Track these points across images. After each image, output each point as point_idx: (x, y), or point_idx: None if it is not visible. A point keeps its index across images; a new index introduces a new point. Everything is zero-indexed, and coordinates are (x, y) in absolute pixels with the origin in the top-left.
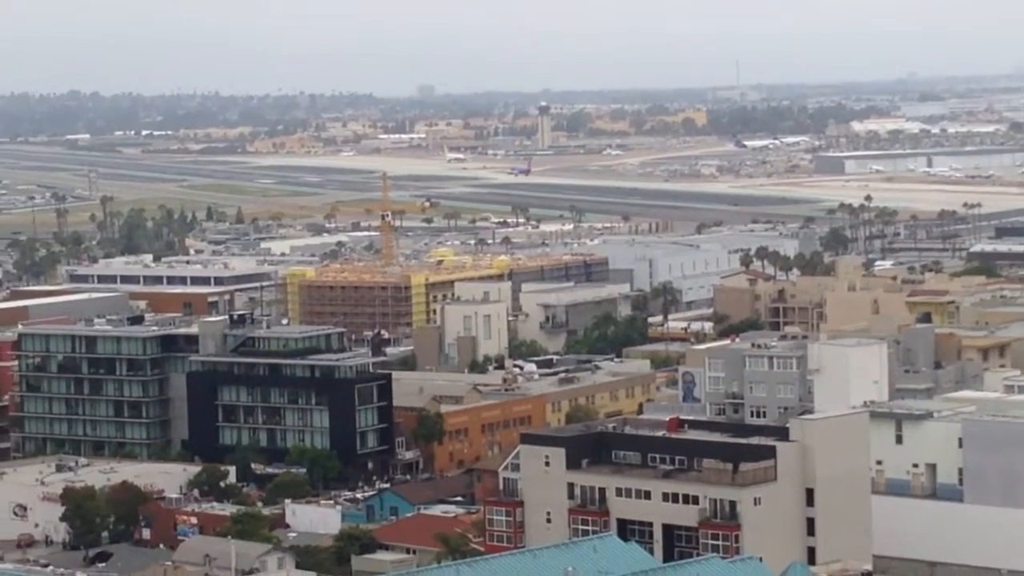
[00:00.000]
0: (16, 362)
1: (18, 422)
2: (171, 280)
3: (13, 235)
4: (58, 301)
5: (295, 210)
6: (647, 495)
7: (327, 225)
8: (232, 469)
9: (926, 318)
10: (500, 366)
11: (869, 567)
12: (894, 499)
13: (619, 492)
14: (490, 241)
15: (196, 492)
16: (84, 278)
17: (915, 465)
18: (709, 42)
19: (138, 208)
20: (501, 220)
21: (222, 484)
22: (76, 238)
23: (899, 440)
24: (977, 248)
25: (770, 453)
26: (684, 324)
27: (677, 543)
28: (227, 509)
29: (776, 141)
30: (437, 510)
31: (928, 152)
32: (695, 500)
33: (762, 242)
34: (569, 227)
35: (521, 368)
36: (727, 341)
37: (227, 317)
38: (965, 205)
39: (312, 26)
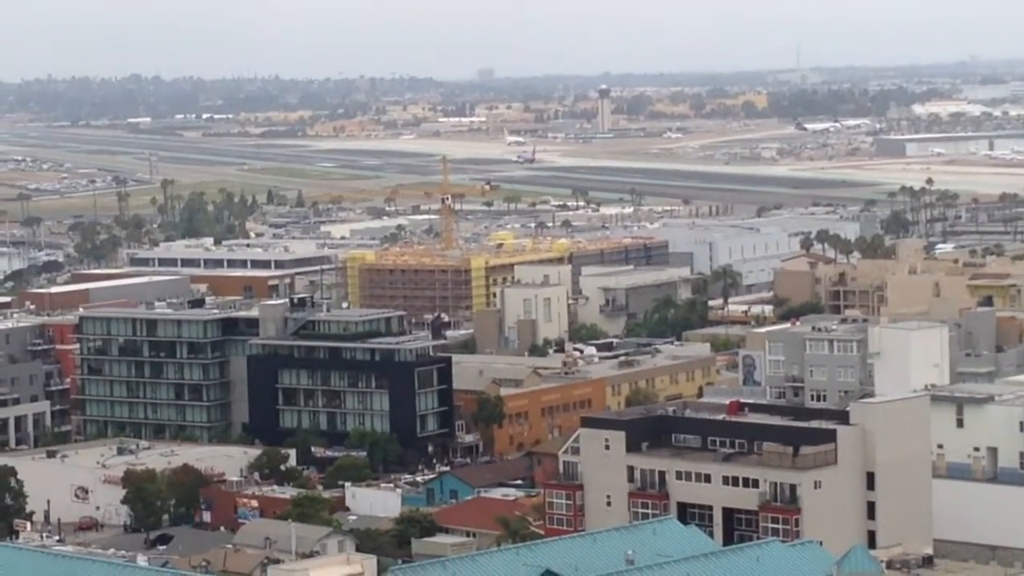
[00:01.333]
0: (78, 345)
1: (79, 405)
2: (232, 263)
3: (75, 218)
4: (119, 284)
5: (355, 193)
6: (707, 478)
7: (387, 208)
8: (292, 452)
9: (987, 301)
10: (560, 349)
11: (930, 551)
12: (955, 483)
13: (679, 475)
14: (550, 224)
15: (256, 475)
16: (145, 261)
17: (976, 449)
18: (770, 25)
19: (199, 192)
20: (561, 203)
21: (282, 467)
22: (137, 221)
23: (960, 424)
24: None
25: (830, 437)
26: (744, 307)
27: (737, 527)
28: (287, 492)
29: (837, 124)
30: (497, 493)
31: (990, 135)
32: (755, 483)
33: (822, 225)
34: (629, 210)
35: (581, 351)
36: (787, 324)
37: (287, 300)
38: None
39: (372, 9)
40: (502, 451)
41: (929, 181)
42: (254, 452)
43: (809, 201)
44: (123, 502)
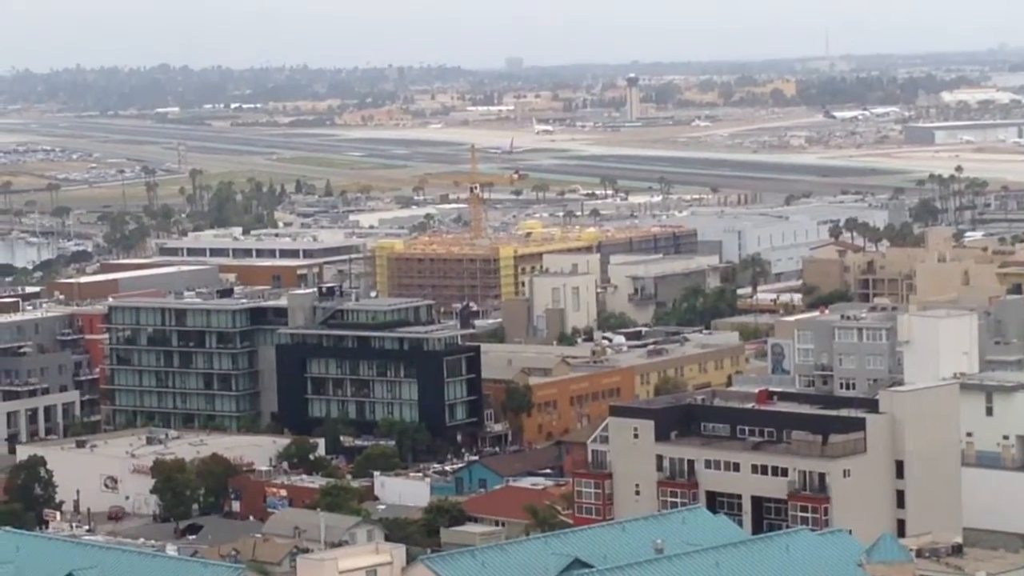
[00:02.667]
0: (107, 335)
1: (109, 395)
2: (260, 253)
3: (104, 208)
4: (148, 274)
5: (384, 183)
6: (736, 467)
7: (416, 197)
8: (321, 441)
9: (1016, 289)
10: (589, 338)
11: (959, 540)
12: (984, 471)
13: (708, 464)
14: (579, 213)
15: (285, 464)
16: (174, 251)
17: (1005, 437)
18: (799, 12)
19: (227, 181)
20: (590, 192)
21: (311, 456)
22: (166, 211)
23: (989, 412)
24: None
25: (860, 425)
26: (773, 296)
27: (766, 515)
28: (316, 481)
29: (865, 112)
30: (526, 482)
31: (1019, 122)
32: (784, 472)
33: (851, 213)
34: (658, 199)
35: (610, 340)
36: (816, 313)
37: (316, 290)
38: None
39: None
40: (531, 440)
41: (958, 169)
42: (283, 441)
43: (838, 189)
44: (152, 492)
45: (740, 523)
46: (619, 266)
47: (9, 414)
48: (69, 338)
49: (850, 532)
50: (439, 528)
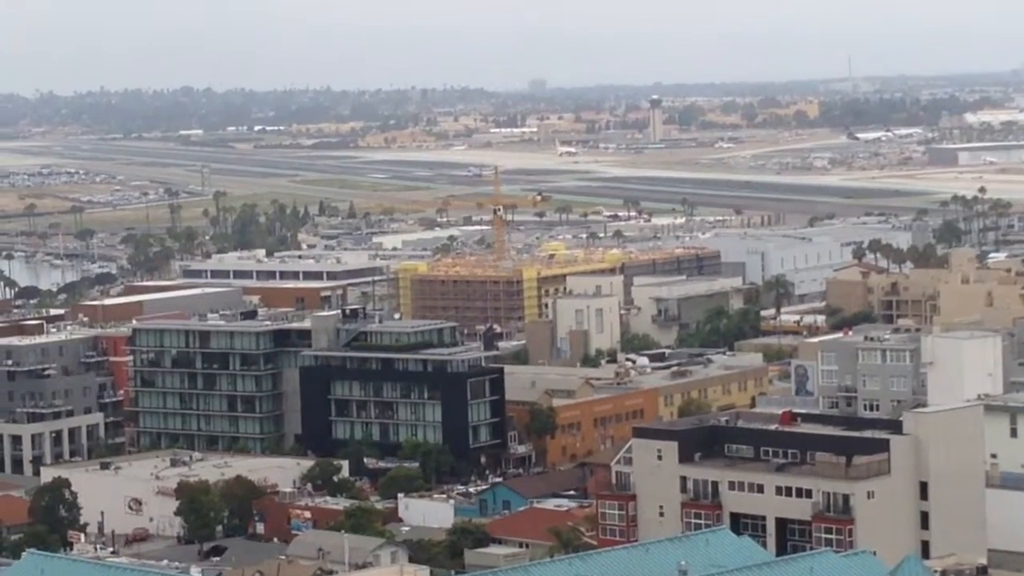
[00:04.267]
0: (131, 357)
1: (133, 417)
2: (284, 275)
3: (127, 231)
4: (172, 296)
5: (407, 204)
6: (760, 489)
7: (439, 219)
8: (345, 463)
9: None
10: (612, 360)
11: (984, 561)
12: (1009, 492)
13: (732, 486)
14: (602, 235)
15: (309, 486)
16: (197, 273)
17: None
18: (821, 34)
19: (250, 203)
20: (613, 214)
21: (335, 478)
22: (189, 233)
23: (1013, 433)
24: None
25: (884, 446)
26: (797, 317)
27: (790, 537)
28: (340, 503)
29: (889, 133)
30: (550, 504)
31: None
32: (808, 494)
33: (875, 235)
34: (681, 220)
35: (633, 362)
36: (840, 334)
37: (340, 312)
38: None
39: (424, 21)
40: (554, 462)
41: (981, 190)
42: (307, 463)
43: (861, 211)
44: (176, 514)
45: (764, 545)
46: (642, 288)
47: (34, 436)
48: (93, 360)
49: (874, 554)
50: (463, 550)
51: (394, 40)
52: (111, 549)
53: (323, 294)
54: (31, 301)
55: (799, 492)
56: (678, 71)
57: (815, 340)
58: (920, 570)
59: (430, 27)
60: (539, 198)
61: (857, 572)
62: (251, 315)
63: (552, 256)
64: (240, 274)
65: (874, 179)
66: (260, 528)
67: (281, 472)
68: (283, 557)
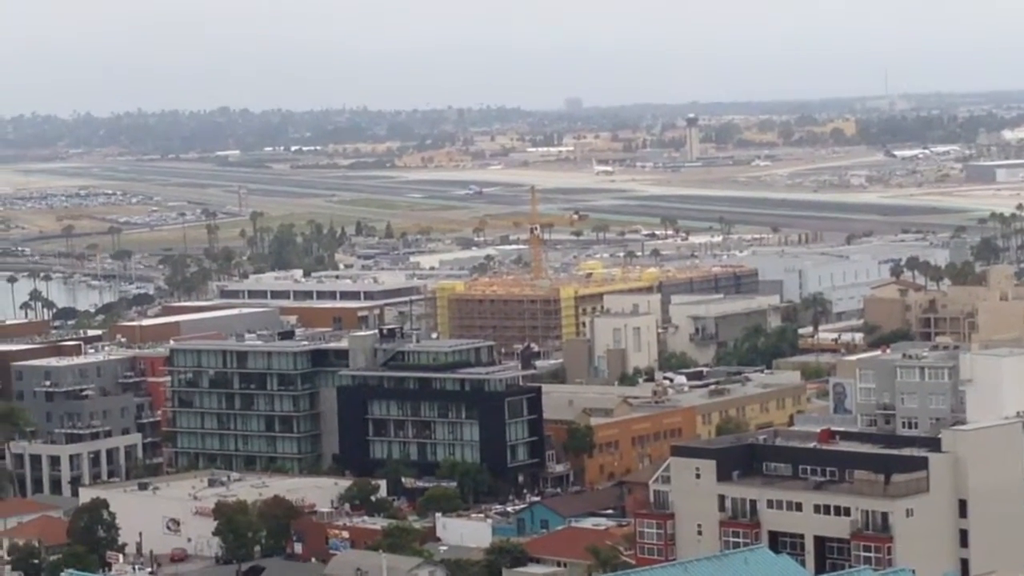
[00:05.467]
0: (168, 378)
1: (171, 437)
2: (321, 295)
3: (165, 251)
4: (209, 317)
5: (444, 224)
6: (798, 507)
7: (476, 239)
8: (383, 483)
9: None
10: (650, 378)
11: None
12: None
13: (770, 504)
14: (639, 253)
15: (347, 506)
16: (235, 293)
17: None
18: (858, 52)
19: (288, 223)
20: (650, 232)
21: (373, 498)
22: (227, 254)
23: None
24: None
25: (922, 464)
26: (834, 335)
27: (829, 555)
28: (378, 523)
29: (926, 150)
30: (588, 523)
31: None
32: (847, 512)
33: (912, 252)
34: (718, 238)
35: (671, 380)
36: (878, 352)
37: (377, 331)
38: None
39: (460, 40)
40: (592, 481)
41: (1020, 207)
42: (344, 483)
43: (899, 228)
44: (214, 534)
45: (803, 563)
46: (680, 306)
47: (72, 457)
48: (131, 381)
49: (913, 572)
50: (501, 569)
51: (431, 60)
52: (149, 570)
53: (360, 314)
54: (69, 322)
55: (838, 510)
56: (715, 89)
57: (853, 358)
58: None
59: (466, 47)
60: (576, 217)
61: None
62: (288, 335)
63: (589, 275)
64: (277, 294)
65: (911, 196)
66: (298, 548)
67: (319, 492)
68: None
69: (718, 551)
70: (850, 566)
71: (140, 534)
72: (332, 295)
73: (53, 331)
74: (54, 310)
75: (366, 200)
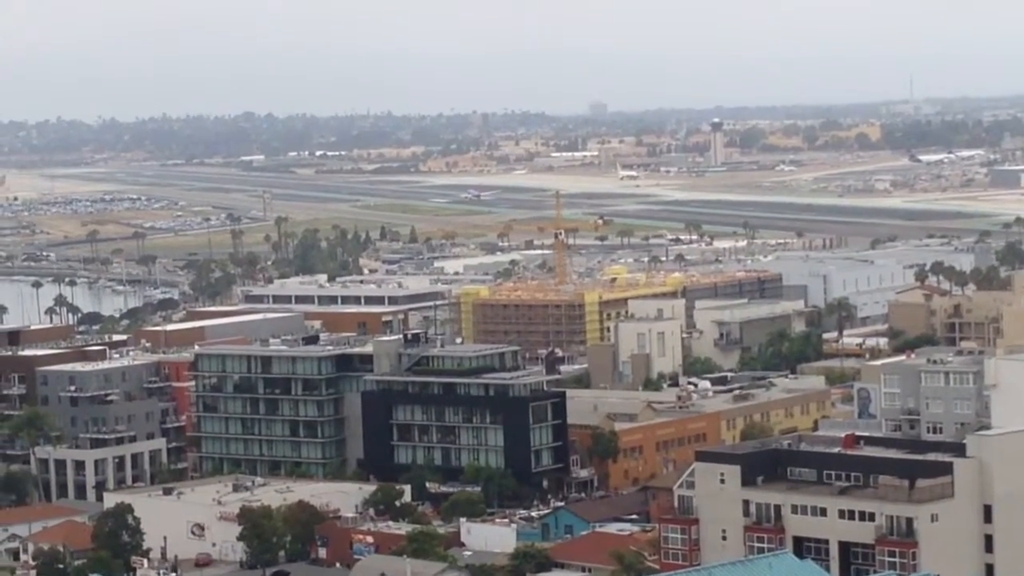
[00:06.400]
0: (193, 383)
1: (195, 442)
2: (345, 300)
3: (189, 256)
4: (234, 321)
5: (468, 229)
6: (823, 512)
7: (500, 244)
8: (407, 488)
9: None
10: (674, 383)
11: None
12: None
13: (795, 509)
14: (663, 258)
15: (372, 511)
16: (259, 298)
17: None
18: (883, 56)
19: (312, 228)
20: (674, 237)
21: (397, 503)
22: (251, 259)
23: None
24: None
25: (947, 469)
26: (859, 340)
27: (853, 560)
28: (403, 528)
29: (951, 155)
30: (612, 528)
31: None
32: (871, 517)
33: (937, 257)
34: (743, 243)
35: (695, 385)
36: (903, 357)
37: (401, 336)
38: None
39: (484, 46)
40: (617, 486)
41: None
42: (369, 488)
43: (923, 233)
44: (239, 539)
45: (827, 568)
46: (704, 311)
47: (96, 462)
48: (156, 386)
49: None
50: (525, 574)
51: (455, 65)
52: (174, 574)
53: (385, 319)
54: (94, 327)
55: (862, 515)
56: (739, 94)
57: (878, 363)
58: None
59: (491, 52)
60: (600, 222)
61: None
62: (313, 340)
63: (614, 280)
64: (302, 299)
65: (936, 201)
66: (323, 553)
67: (343, 497)
68: None
69: (742, 556)
70: (875, 571)
71: (165, 539)
72: (357, 300)
73: (78, 336)
74: (79, 315)
75: (390, 205)
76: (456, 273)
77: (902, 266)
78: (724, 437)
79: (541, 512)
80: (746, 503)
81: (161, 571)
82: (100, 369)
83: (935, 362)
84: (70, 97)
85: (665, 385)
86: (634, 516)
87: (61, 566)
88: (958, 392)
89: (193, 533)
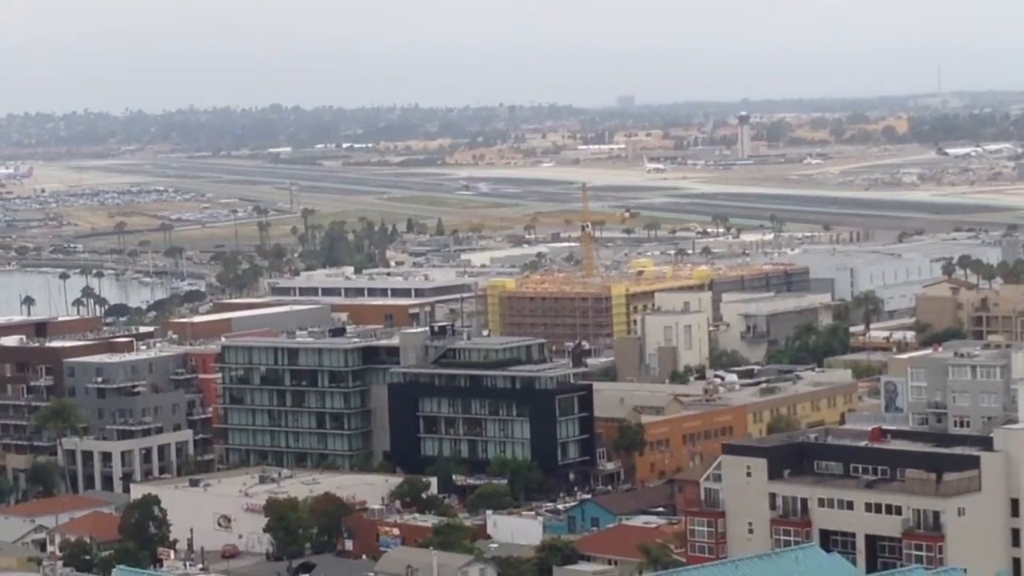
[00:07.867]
0: (220, 374)
1: (222, 434)
2: (372, 292)
3: (216, 248)
4: (261, 314)
5: (495, 221)
6: (849, 505)
7: (527, 236)
8: (433, 480)
9: None
10: (701, 376)
11: None
12: None
13: (821, 502)
14: (690, 251)
15: (398, 503)
16: (286, 291)
17: None
18: (910, 49)
19: (339, 221)
20: (701, 230)
21: (424, 495)
22: (278, 251)
23: None
24: None
25: (974, 463)
26: (886, 333)
27: (880, 554)
28: (429, 520)
29: (978, 148)
30: (638, 521)
31: None
32: (898, 510)
33: (964, 250)
34: (769, 236)
35: (722, 378)
36: (930, 350)
37: (428, 329)
38: None
39: (511, 38)
40: (643, 478)
41: None
42: (395, 480)
43: (951, 226)
44: (265, 530)
45: (854, 562)
46: (731, 304)
47: (123, 453)
48: (183, 377)
49: (965, 571)
50: (552, 567)
51: (482, 57)
52: (200, 566)
53: (411, 311)
54: (121, 319)
55: (889, 509)
56: (766, 87)
57: (905, 356)
58: None
59: (518, 44)
60: (627, 215)
61: None
62: (339, 332)
63: (640, 272)
64: (328, 291)
65: (964, 195)
66: (349, 545)
67: (370, 489)
68: (372, 574)
69: (769, 550)
70: (901, 565)
71: (191, 530)
72: (383, 292)
73: (105, 328)
74: (106, 307)
75: (417, 197)
76: (483, 265)
77: (929, 260)
78: (751, 430)
79: (567, 505)
80: (773, 496)
81: (187, 563)
82: (127, 361)
83: (962, 356)
84: (97, 89)
85: (692, 378)
86: (660, 509)
87: (88, 557)
88: (985, 386)
89: (219, 525)
